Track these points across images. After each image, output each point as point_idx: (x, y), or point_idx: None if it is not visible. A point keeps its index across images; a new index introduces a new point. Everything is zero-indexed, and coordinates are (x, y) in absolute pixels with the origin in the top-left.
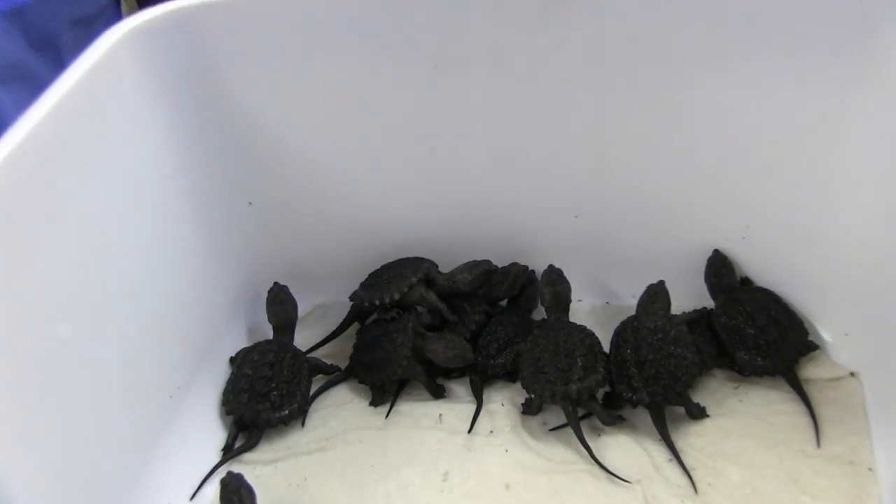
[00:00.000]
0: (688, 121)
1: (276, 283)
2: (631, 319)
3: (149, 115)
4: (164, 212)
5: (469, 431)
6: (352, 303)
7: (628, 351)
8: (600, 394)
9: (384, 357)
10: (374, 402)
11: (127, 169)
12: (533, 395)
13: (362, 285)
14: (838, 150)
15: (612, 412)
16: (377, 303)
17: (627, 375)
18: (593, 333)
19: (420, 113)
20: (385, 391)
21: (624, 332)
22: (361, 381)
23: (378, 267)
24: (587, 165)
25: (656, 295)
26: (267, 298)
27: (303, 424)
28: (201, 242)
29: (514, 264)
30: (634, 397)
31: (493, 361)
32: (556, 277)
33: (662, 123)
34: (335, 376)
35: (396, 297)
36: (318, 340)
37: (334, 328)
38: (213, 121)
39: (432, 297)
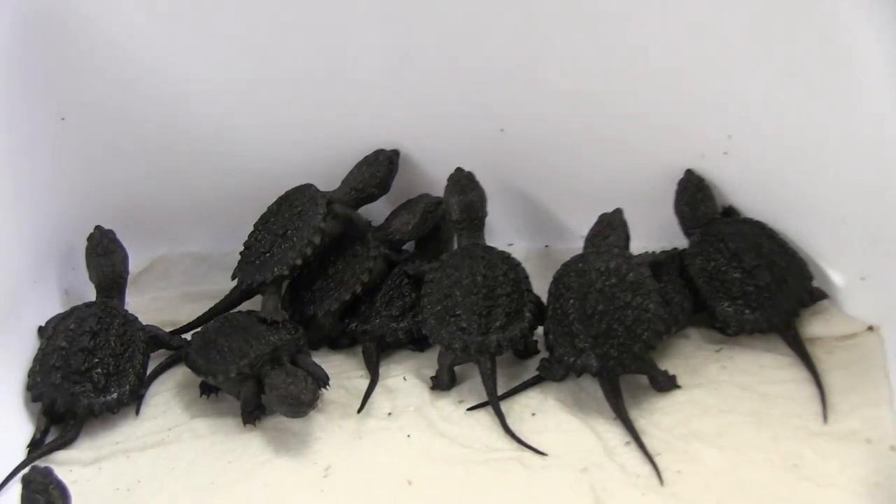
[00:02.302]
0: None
1: (98, 228)
2: (576, 260)
3: None
4: None
5: (359, 411)
6: (241, 282)
7: (571, 301)
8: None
9: (220, 357)
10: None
11: None
12: (438, 345)
13: (247, 262)
14: (847, 30)
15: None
16: (289, 266)
17: (570, 334)
18: (518, 263)
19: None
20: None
21: (566, 277)
22: (189, 365)
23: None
24: (515, 58)
25: (610, 227)
26: (87, 248)
27: (137, 413)
28: None
29: (424, 196)
30: (579, 362)
31: (395, 325)
32: (465, 182)
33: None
34: (180, 351)
35: (317, 241)
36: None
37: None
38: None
39: (345, 210)
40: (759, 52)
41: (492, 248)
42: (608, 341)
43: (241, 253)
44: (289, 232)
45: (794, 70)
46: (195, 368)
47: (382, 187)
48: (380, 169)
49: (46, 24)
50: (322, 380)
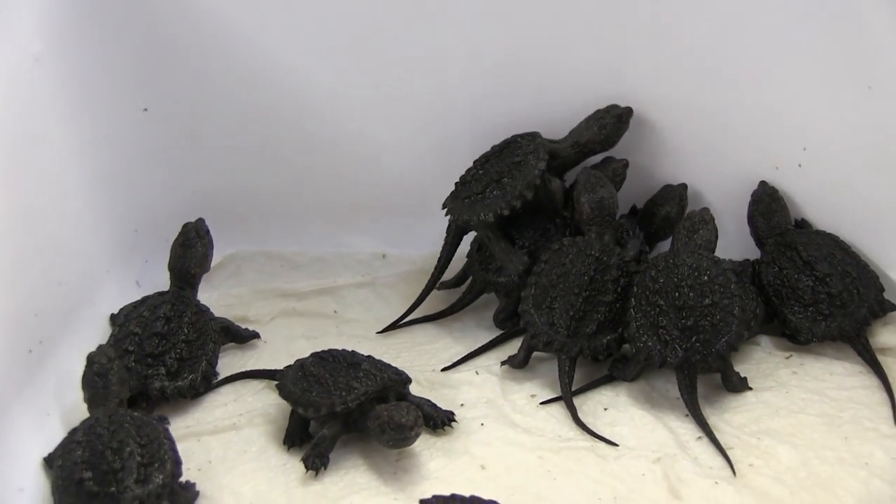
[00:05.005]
0: (722, 11)
1: (199, 220)
2: (665, 256)
3: None
4: (23, 108)
5: (442, 369)
6: (449, 215)
7: (659, 293)
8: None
9: (324, 390)
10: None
11: None
12: (526, 329)
13: (458, 197)
14: None
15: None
16: (496, 214)
17: (655, 325)
18: (635, 271)
19: None
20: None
21: (653, 271)
22: (284, 395)
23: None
24: (597, 62)
25: (702, 221)
26: (178, 235)
27: (194, 396)
28: (74, 158)
29: (610, 159)
30: (664, 353)
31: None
32: (595, 181)
33: (690, 11)
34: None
35: (529, 196)
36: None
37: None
38: None
39: (554, 184)
40: (838, 64)
41: (612, 248)
42: (694, 335)
43: (455, 184)
44: (504, 179)
45: (872, 83)
46: (291, 399)
47: (606, 144)
48: (606, 126)
49: (131, 14)
50: (443, 418)
